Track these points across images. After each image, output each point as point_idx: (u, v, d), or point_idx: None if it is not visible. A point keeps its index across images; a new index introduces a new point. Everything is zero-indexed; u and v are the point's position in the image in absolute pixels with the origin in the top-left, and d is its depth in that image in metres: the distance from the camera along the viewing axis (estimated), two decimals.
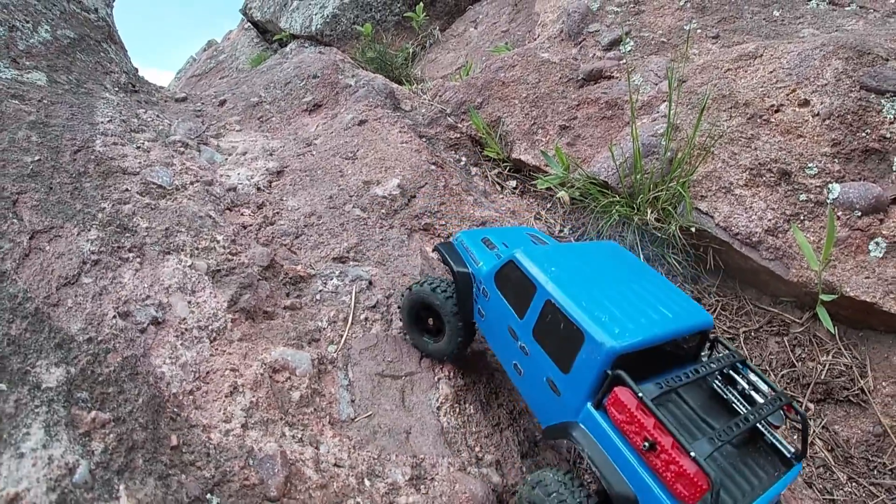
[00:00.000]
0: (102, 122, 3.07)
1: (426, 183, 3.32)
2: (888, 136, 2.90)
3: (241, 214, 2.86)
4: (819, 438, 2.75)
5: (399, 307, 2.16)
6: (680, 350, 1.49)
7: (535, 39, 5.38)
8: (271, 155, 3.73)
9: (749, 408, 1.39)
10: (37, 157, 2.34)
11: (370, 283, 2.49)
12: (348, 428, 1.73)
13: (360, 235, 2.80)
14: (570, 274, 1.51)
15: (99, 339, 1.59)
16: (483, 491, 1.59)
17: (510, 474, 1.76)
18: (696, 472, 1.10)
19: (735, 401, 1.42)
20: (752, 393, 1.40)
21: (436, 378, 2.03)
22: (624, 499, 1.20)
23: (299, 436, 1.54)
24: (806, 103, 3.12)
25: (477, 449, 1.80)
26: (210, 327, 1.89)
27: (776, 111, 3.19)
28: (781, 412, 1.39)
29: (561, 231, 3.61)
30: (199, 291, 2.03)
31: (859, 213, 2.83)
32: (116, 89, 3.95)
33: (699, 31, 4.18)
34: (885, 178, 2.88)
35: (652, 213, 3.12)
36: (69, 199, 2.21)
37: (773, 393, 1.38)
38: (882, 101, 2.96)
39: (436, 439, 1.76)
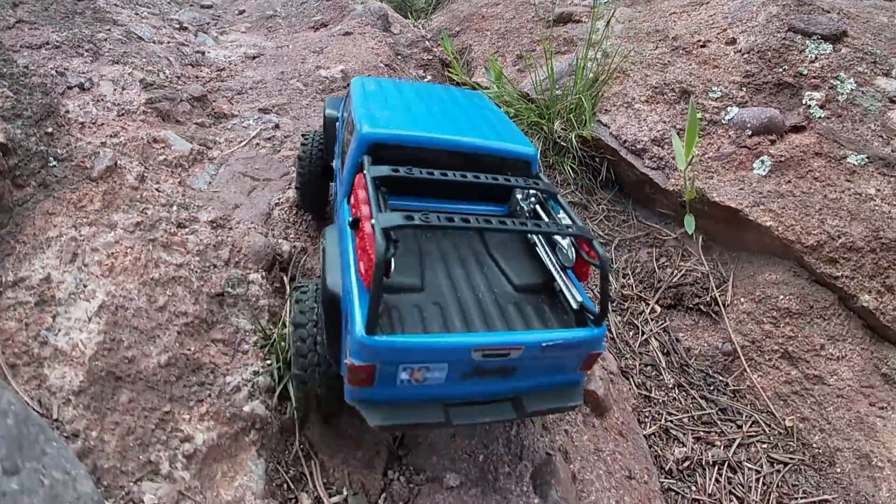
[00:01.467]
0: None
1: (370, 74, 3.77)
2: (805, 73, 3.09)
3: (199, 70, 3.40)
4: (655, 338, 2.87)
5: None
6: (486, 188, 1.37)
7: None
8: (255, 47, 4.27)
9: (552, 256, 1.30)
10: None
11: (277, 125, 2.97)
12: (191, 189, 2.22)
13: (290, 99, 3.29)
14: (386, 94, 1.52)
15: (33, 70, 2.12)
16: (263, 244, 1.95)
17: (299, 246, 2.14)
18: (372, 239, 0.97)
19: (539, 245, 1.35)
20: (558, 239, 1.29)
21: (287, 186, 2.49)
22: (330, 290, 1.12)
23: (141, 168, 2.04)
24: (733, 41, 3.35)
25: (285, 231, 2.21)
26: (123, 106, 2.41)
27: (702, 46, 3.43)
28: (573, 248, 1.23)
29: None
30: (127, 88, 2.56)
31: (750, 133, 3.00)
32: None
33: None
34: (794, 110, 3.06)
35: (560, 123, 3.45)
36: (57, 19, 2.79)
37: (575, 224, 1.20)
38: (807, 41, 3.15)
39: (256, 216, 2.19)
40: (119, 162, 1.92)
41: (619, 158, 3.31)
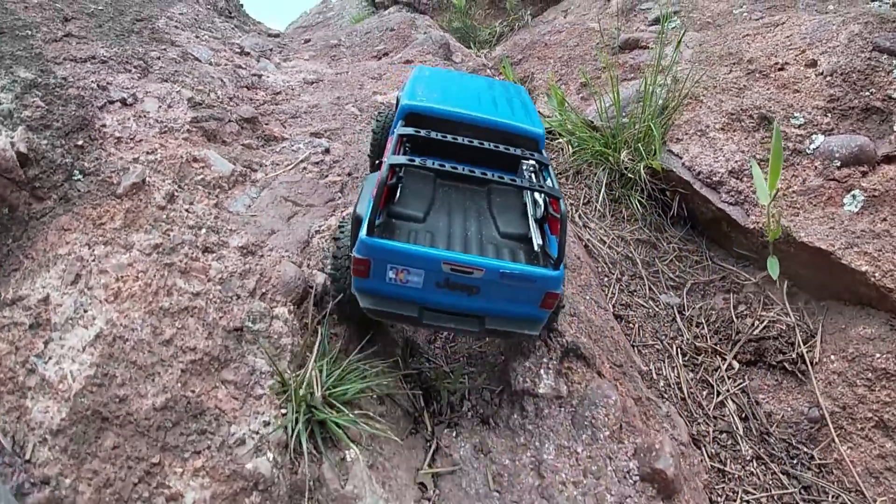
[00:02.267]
0: (175, 14, 3.72)
1: None
2: (895, 96, 2.72)
3: (254, 93, 3.32)
4: (732, 400, 2.50)
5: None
6: (499, 156, 1.54)
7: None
8: (315, 73, 4.21)
9: (534, 213, 1.54)
10: (101, 7, 2.96)
11: (327, 150, 2.81)
12: (227, 211, 2.05)
13: (344, 124, 3.14)
14: (433, 82, 1.80)
15: (72, 83, 2.04)
16: (294, 275, 1.76)
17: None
18: (384, 169, 1.28)
19: (530, 205, 1.58)
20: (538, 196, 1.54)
21: (331, 213, 2.30)
22: (356, 216, 1.41)
23: (174, 186, 1.89)
24: (813, 63, 2.99)
25: (322, 262, 1.96)
26: (166, 124, 2.31)
27: (780, 69, 3.08)
28: (544, 205, 1.49)
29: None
30: (174, 106, 2.47)
31: (838, 164, 2.63)
32: (209, 6, 4.68)
33: (745, 14, 4.08)
34: (885, 138, 2.67)
35: (627, 153, 3.15)
36: (111, 36, 2.77)
37: (551, 185, 1.43)
38: (894, 62, 2.78)
39: (292, 244, 1.97)
40: (148, 179, 1.78)
41: (692, 192, 2.97)
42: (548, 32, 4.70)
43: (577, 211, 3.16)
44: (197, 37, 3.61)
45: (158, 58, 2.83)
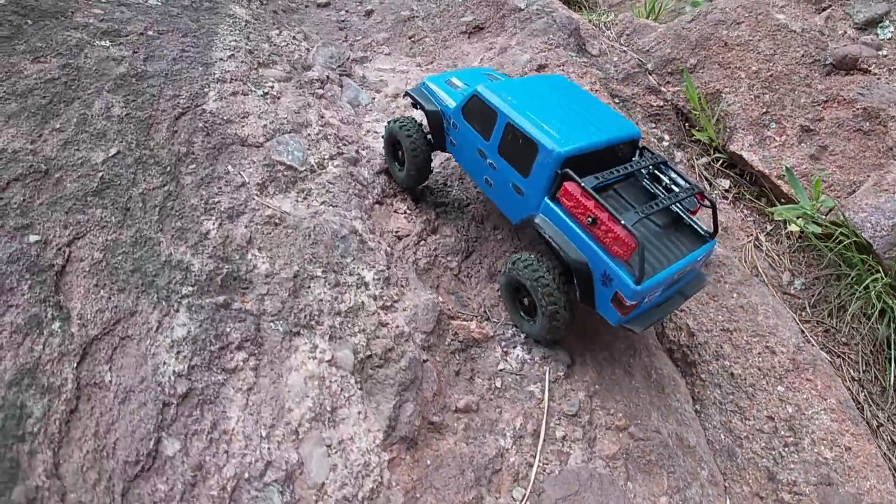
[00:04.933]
0: (221, 60, 2.23)
1: None
2: None
3: (395, 212, 2.01)
4: None
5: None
6: (615, 156, 1.68)
7: None
8: (405, 75, 2.79)
9: (668, 195, 1.62)
10: (113, 151, 1.56)
11: (568, 369, 1.62)
12: None
13: None
14: (524, 101, 1.72)
15: None
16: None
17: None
18: (627, 235, 1.38)
19: (660, 193, 1.67)
20: (673, 186, 1.66)
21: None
22: (578, 263, 1.51)
23: None
24: None
25: None
26: (359, 495, 1.13)
27: None
28: (694, 199, 1.63)
29: (787, 281, 2.50)
30: (344, 418, 1.25)
31: None
32: (249, 1, 3.05)
33: None
34: None
35: None
36: (151, 236, 1.44)
37: (688, 185, 1.62)
38: None
39: None
40: None
41: None
42: (722, 23, 3.12)
43: (863, 396, 2.06)
44: (264, 95, 2.18)
45: (248, 243, 1.52)
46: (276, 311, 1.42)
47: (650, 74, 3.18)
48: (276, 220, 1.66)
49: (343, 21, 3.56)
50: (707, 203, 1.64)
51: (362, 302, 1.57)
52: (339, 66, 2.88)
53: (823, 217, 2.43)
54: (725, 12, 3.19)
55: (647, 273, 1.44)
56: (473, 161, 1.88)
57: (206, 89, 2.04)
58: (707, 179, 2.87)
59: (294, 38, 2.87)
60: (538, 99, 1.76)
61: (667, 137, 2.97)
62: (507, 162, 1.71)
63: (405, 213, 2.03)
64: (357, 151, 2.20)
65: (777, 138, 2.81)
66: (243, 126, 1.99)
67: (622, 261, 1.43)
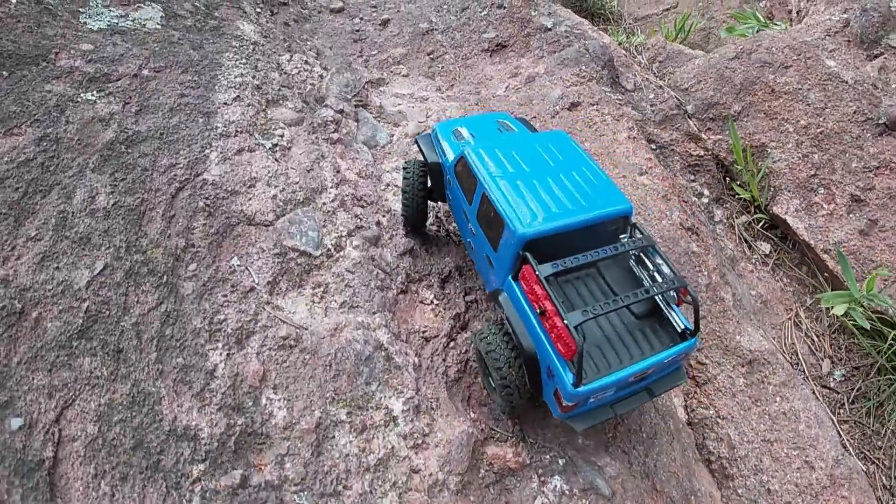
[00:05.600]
0: (225, 105, 1.92)
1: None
2: None
3: (422, 303, 1.77)
4: None
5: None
6: (599, 235, 1.53)
7: (797, 16, 3.55)
8: (425, 103, 2.52)
9: (648, 284, 1.54)
10: (99, 265, 1.28)
11: (608, 502, 1.44)
12: None
13: None
14: (506, 169, 1.64)
15: None
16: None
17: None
18: (567, 336, 1.28)
19: (646, 279, 1.56)
20: (656, 275, 1.51)
21: None
22: (528, 351, 1.43)
23: None
24: None
25: None
26: None
27: None
28: (674, 293, 1.49)
29: (826, 371, 2.34)
30: None
31: None
32: (258, 12, 2.69)
33: None
34: None
35: None
36: (150, 390, 1.17)
37: (672, 275, 1.46)
38: None
39: None
40: None
41: None
42: (768, 66, 2.86)
43: None
44: (272, 148, 1.92)
45: (254, 389, 1.28)
46: (300, 477, 1.20)
47: (690, 118, 2.93)
48: (292, 342, 1.42)
49: (358, 31, 3.22)
50: (689, 300, 1.48)
51: (392, 447, 1.36)
52: (354, 96, 2.58)
53: (872, 314, 2.25)
54: (772, 53, 2.92)
55: (592, 375, 1.37)
56: (461, 221, 1.84)
57: (206, 150, 1.75)
58: (746, 241, 2.67)
59: (306, 62, 2.54)
60: (526, 165, 1.68)
61: (706, 192, 2.74)
62: (482, 231, 1.64)
63: (432, 303, 1.80)
64: (378, 223, 1.95)
65: (825, 206, 2.60)
66: (250, 198, 1.72)
67: (566, 359, 1.34)
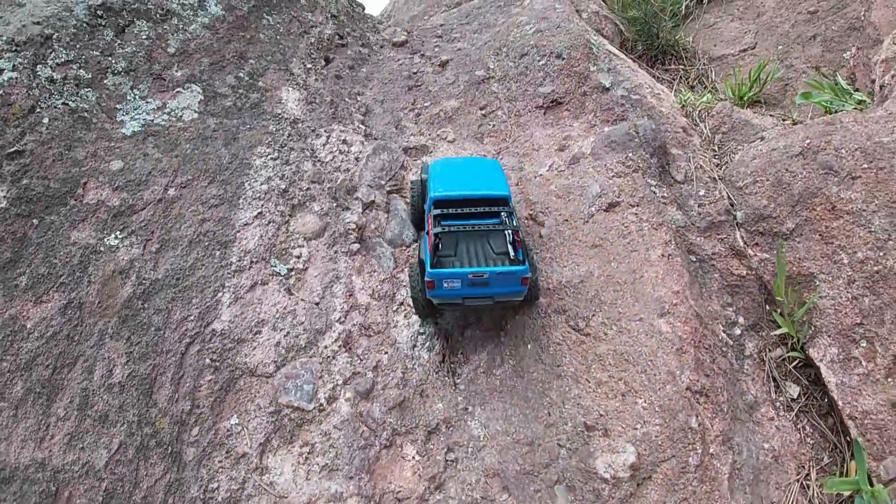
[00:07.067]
0: (246, 226, 1.99)
1: (672, 455, 2.00)
2: None
3: (403, 458, 1.87)
4: None
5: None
6: (486, 204, 2.26)
7: (879, 91, 2.98)
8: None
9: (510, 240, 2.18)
10: (115, 444, 1.44)
11: None
12: None
13: None
14: (445, 173, 2.41)
15: None
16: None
17: None
18: (431, 237, 2.05)
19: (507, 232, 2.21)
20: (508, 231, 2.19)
21: None
22: (420, 258, 2.18)
23: None
24: None
25: None
26: None
27: None
28: (514, 237, 2.17)
29: None
30: None
31: None
32: (308, 68, 2.64)
33: None
34: None
35: None
36: None
37: (514, 225, 2.17)
38: None
39: None
40: None
41: None
42: (833, 173, 2.48)
43: None
44: (288, 273, 2.00)
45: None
46: None
47: (739, 228, 2.68)
48: None
49: (415, 74, 3.09)
50: (518, 238, 2.16)
51: None
52: (389, 180, 2.55)
53: None
54: (840, 157, 2.52)
55: (445, 265, 2.05)
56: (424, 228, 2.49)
57: (219, 293, 1.86)
58: (775, 380, 2.52)
59: (344, 141, 2.52)
60: (454, 170, 2.44)
61: (741, 320, 2.56)
62: (422, 208, 2.50)
63: (413, 459, 1.90)
64: (376, 366, 2.02)
65: (863, 363, 2.37)
66: (254, 347, 1.84)
67: (431, 254, 2.04)
